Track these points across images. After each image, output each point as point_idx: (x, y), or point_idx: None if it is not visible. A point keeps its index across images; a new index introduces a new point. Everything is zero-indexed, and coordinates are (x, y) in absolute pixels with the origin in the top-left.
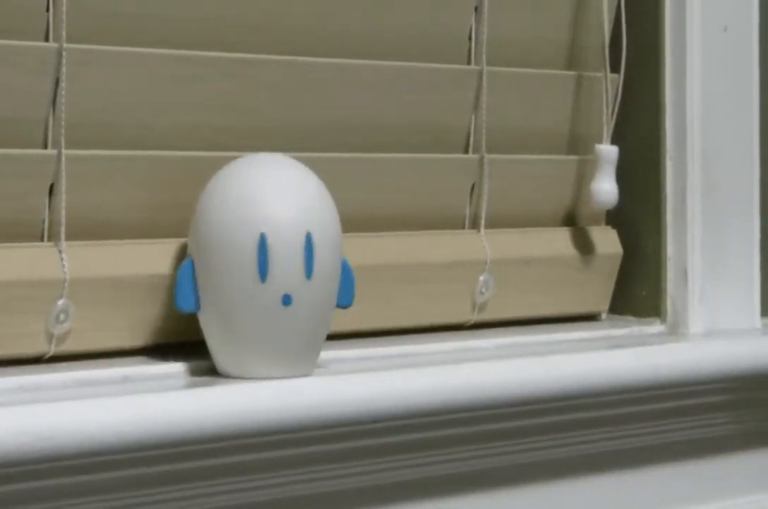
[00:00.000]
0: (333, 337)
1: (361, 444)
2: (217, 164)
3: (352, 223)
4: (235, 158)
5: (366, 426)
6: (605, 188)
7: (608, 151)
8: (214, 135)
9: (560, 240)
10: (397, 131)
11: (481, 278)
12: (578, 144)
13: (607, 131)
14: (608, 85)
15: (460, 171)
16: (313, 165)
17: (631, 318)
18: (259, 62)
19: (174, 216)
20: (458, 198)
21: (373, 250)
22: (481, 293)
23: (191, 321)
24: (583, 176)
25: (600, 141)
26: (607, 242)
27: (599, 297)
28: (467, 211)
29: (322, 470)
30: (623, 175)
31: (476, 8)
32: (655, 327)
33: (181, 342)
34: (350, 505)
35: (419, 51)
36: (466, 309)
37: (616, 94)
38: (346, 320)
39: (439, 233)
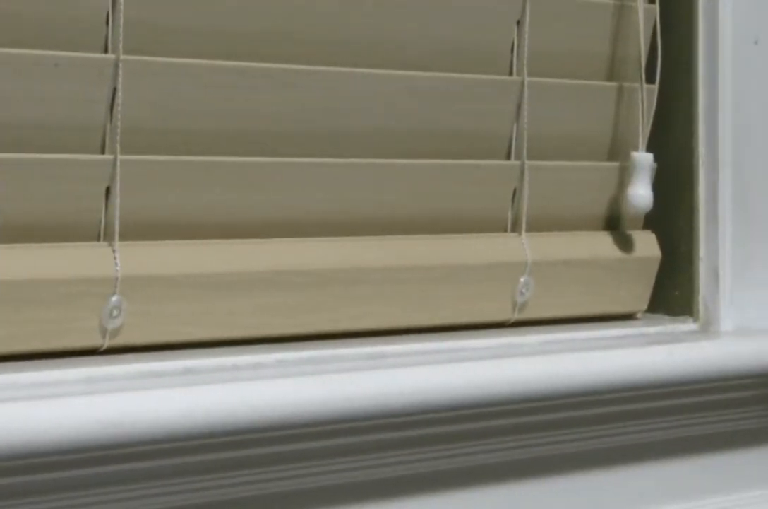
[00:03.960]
0: (377, 333)
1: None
2: (260, 169)
3: (399, 226)
4: (283, 164)
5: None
6: (640, 193)
7: (643, 158)
8: (262, 141)
9: (599, 243)
10: (442, 138)
11: (522, 279)
12: (616, 151)
13: (643, 138)
14: (644, 96)
15: (502, 177)
16: (361, 171)
17: (665, 317)
18: (309, 73)
19: (224, 218)
20: (500, 202)
21: (420, 252)
22: (522, 293)
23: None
24: (621, 182)
25: (636, 148)
26: (646, 245)
27: (637, 299)
28: (509, 215)
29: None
30: (659, 180)
31: (518, 22)
32: (688, 325)
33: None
34: None
35: (465, 63)
36: (506, 309)
37: (652, 104)
38: (393, 318)
39: (482, 236)
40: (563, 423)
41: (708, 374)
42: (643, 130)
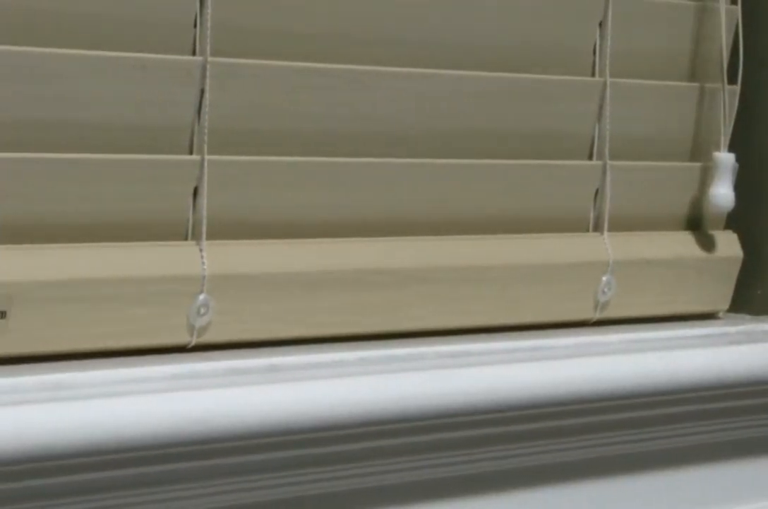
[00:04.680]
0: (459, 332)
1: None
2: (346, 170)
3: (482, 225)
4: (369, 164)
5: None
6: (722, 193)
7: (725, 158)
8: (348, 142)
9: (681, 243)
10: (526, 138)
11: (604, 278)
12: (698, 151)
13: (725, 138)
14: (726, 96)
15: (585, 177)
16: (446, 171)
17: (746, 316)
18: (395, 74)
19: (308, 217)
20: (582, 202)
21: (502, 251)
22: (604, 292)
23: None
24: (703, 182)
25: (718, 148)
26: (727, 245)
27: (718, 299)
28: (591, 214)
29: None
30: (740, 180)
31: (600, 23)
32: None
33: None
34: None
35: (547, 64)
36: (588, 308)
37: (734, 105)
38: (475, 317)
39: (564, 236)
40: (643, 422)
41: None
42: (725, 130)
